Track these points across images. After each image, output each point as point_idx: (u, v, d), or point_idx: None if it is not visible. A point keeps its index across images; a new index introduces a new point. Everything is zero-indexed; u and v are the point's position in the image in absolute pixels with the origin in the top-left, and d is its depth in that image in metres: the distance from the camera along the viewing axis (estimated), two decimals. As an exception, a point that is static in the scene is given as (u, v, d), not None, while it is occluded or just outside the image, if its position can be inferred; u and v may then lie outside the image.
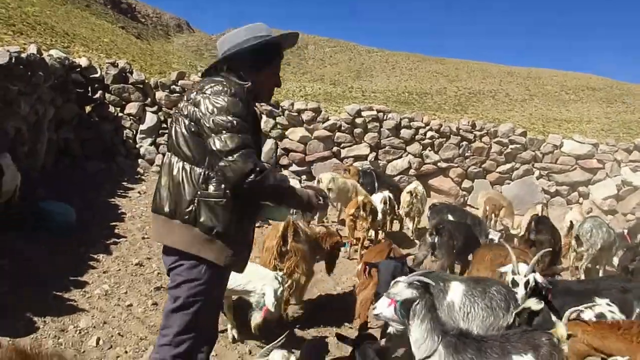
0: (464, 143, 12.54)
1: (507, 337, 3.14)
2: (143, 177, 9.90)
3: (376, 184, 10.01)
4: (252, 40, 2.53)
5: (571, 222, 8.83)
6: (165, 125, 10.71)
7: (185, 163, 2.45)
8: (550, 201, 12.42)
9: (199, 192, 2.41)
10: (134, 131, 10.60)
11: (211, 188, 2.41)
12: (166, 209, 2.47)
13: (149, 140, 10.64)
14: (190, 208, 2.42)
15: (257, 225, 2.94)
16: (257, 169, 2.29)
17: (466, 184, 12.59)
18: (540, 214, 8.66)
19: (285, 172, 11.80)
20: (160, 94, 10.80)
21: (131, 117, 10.55)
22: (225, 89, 2.39)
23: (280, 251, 4.98)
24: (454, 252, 6.56)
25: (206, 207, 2.41)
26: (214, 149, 2.31)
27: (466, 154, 12.54)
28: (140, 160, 10.53)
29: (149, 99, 10.75)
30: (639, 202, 11.84)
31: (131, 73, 10.67)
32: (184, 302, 2.48)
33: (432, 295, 3.15)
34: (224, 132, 2.31)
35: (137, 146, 10.58)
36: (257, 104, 2.78)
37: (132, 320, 4.56)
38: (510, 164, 12.65)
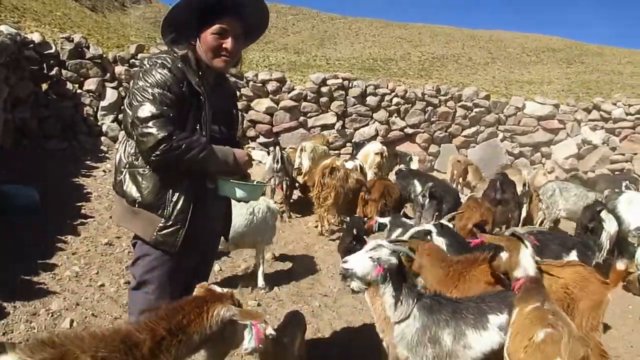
0: (429, 108, 12.64)
1: (482, 297, 3.23)
2: (107, 155, 9.67)
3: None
4: None
5: (524, 183, 8.96)
6: (127, 101, 10.47)
7: (125, 138, 2.46)
8: (515, 162, 12.71)
9: (127, 164, 2.40)
10: (95, 108, 10.29)
11: (140, 159, 2.37)
12: (113, 183, 2.50)
13: (111, 117, 10.36)
14: (119, 178, 2.43)
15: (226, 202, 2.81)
16: (173, 137, 2.23)
17: (433, 148, 12.75)
18: (527, 180, 8.82)
19: (252, 144, 11.73)
20: (119, 69, 10.48)
21: (91, 94, 10.23)
22: (159, 60, 2.34)
23: (321, 182, 7.09)
24: (440, 216, 6.85)
25: (131, 177, 2.39)
26: (133, 116, 2.26)
27: (432, 119, 12.66)
28: (103, 138, 10.27)
29: (108, 74, 10.43)
30: (598, 160, 12.23)
31: (88, 48, 10.30)
32: (141, 279, 2.46)
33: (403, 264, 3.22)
34: (144, 101, 2.26)
35: (99, 123, 10.30)
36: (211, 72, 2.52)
37: (105, 300, 4.52)
38: (475, 128, 12.84)
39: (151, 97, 2.25)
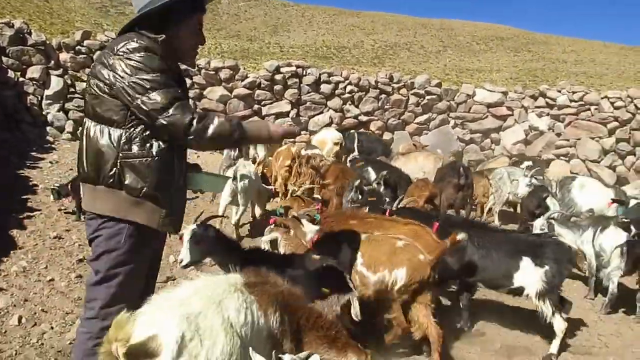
0: (383, 96, 12.75)
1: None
2: (54, 146, 9.33)
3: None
4: None
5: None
6: (73, 90, 10.13)
7: (102, 126, 2.35)
8: (465, 148, 13.01)
9: (120, 154, 2.33)
10: (39, 97, 9.89)
11: (134, 148, 2.33)
12: (90, 175, 2.39)
13: (57, 106, 9.99)
14: (113, 171, 2.34)
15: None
16: (197, 116, 2.27)
17: (386, 136, 12.88)
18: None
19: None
20: (64, 56, 10.11)
21: (34, 82, 9.83)
22: (138, 45, 2.28)
23: (298, 171, 7.25)
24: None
25: (130, 168, 2.33)
26: (147, 109, 2.24)
27: (385, 107, 12.78)
28: (48, 128, 9.90)
29: (53, 62, 10.04)
30: (544, 146, 12.68)
31: (30, 34, 9.87)
32: (105, 274, 2.42)
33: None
34: (150, 90, 2.23)
35: (44, 113, 9.91)
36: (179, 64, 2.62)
37: (56, 295, 4.39)
38: (427, 115, 13.04)
39: (157, 85, 2.25)
